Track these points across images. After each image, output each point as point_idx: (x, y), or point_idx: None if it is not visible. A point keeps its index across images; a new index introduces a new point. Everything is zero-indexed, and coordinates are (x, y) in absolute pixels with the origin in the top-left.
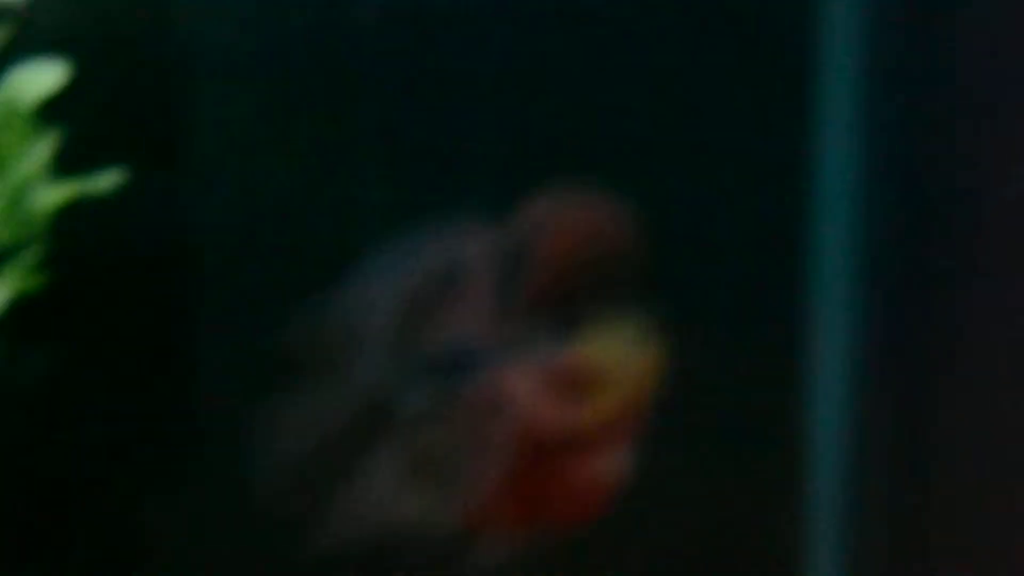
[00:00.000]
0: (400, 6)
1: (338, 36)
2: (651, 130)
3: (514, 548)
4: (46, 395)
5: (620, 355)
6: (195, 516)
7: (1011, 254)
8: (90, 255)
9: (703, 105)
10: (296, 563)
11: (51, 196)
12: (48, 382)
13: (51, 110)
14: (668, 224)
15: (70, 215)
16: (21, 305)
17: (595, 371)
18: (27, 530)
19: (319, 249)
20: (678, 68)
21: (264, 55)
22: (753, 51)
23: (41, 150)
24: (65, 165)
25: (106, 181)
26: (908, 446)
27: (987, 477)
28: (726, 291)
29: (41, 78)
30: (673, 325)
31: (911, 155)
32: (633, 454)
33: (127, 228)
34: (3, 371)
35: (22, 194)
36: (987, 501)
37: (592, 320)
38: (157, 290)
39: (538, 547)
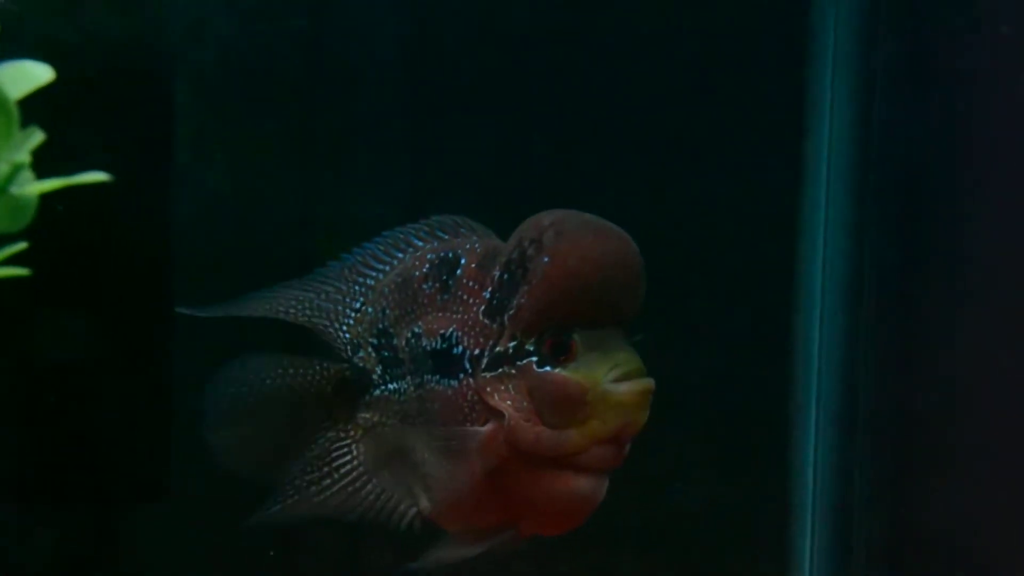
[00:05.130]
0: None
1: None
2: (652, 166)
3: (483, 549)
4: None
5: (610, 380)
6: (171, 500)
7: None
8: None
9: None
10: (263, 543)
11: (39, 186)
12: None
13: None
14: (666, 252)
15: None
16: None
17: (576, 394)
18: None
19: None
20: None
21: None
22: (749, 108)
23: (29, 140)
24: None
25: (93, 177)
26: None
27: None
28: (723, 319)
29: (29, 73)
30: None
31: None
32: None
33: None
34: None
35: (9, 182)
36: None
37: (586, 342)
38: (138, 276)
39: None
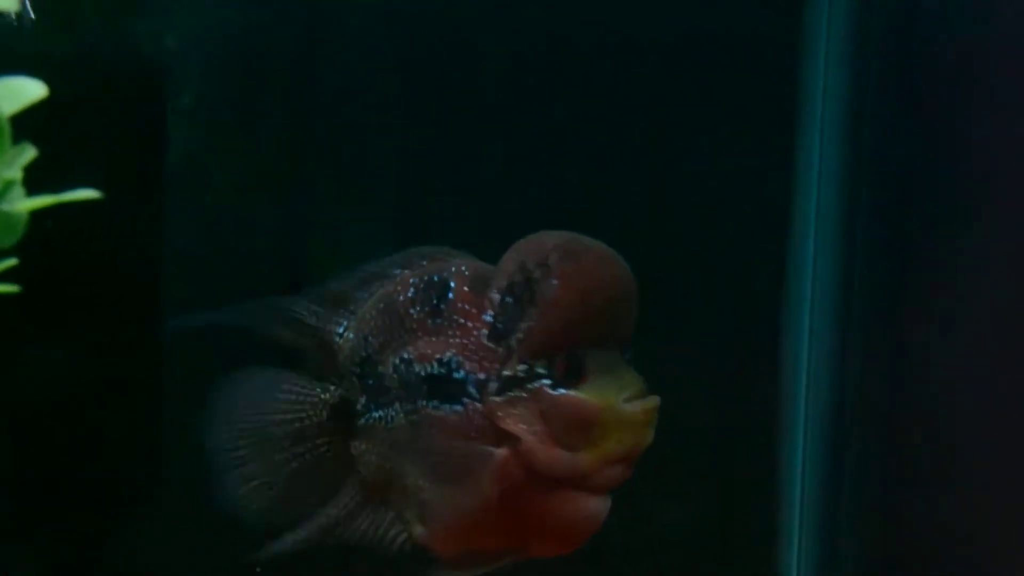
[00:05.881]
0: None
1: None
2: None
3: (478, 572)
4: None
5: (618, 402)
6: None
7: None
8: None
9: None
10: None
11: (30, 203)
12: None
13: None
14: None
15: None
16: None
17: (592, 415)
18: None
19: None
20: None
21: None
22: (741, 117)
23: (20, 156)
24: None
25: (84, 194)
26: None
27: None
28: (716, 327)
29: (23, 89)
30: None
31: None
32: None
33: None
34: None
35: (1, 198)
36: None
37: (595, 363)
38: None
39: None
